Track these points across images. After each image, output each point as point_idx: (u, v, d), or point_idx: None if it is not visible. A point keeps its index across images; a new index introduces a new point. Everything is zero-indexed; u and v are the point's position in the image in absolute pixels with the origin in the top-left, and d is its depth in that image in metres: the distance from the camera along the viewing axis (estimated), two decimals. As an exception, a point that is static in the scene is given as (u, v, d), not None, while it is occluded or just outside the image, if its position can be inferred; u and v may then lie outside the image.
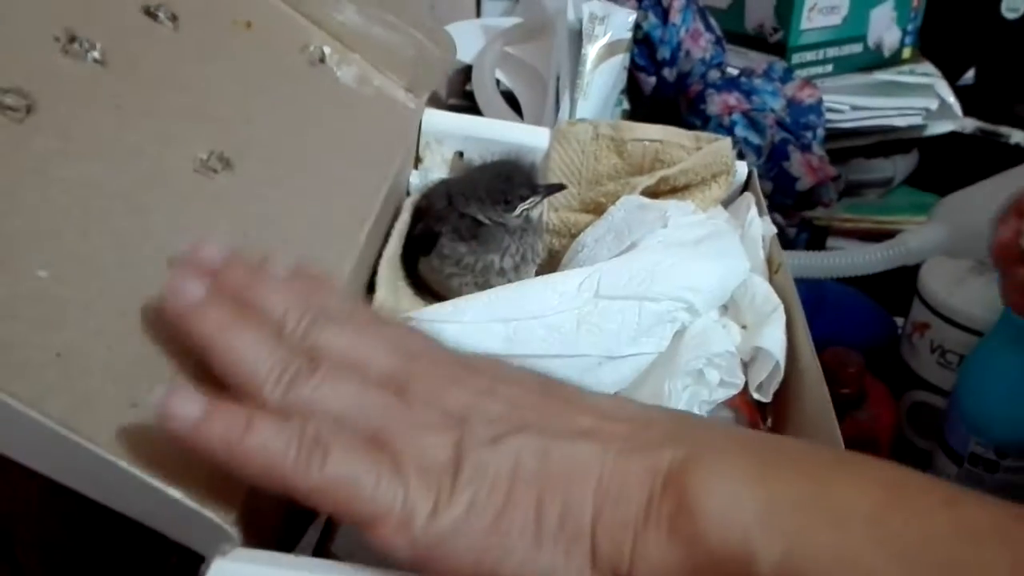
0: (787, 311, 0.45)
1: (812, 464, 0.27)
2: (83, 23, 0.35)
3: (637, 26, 0.73)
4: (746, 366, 0.44)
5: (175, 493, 0.26)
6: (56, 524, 0.40)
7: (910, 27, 0.96)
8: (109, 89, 0.35)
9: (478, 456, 0.26)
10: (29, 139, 0.31)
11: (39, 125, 0.31)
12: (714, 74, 0.79)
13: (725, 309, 0.47)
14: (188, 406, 0.25)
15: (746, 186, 0.57)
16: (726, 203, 0.56)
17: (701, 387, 0.41)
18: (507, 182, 0.47)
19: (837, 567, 0.23)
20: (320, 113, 0.47)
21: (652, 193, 0.53)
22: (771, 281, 0.49)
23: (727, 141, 0.55)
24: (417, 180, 0.56)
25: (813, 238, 0.85)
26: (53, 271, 0.28)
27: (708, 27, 0.80)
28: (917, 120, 0.90)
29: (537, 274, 0.49)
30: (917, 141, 0.94)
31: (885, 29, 0.94)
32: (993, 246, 0.43)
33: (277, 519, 0.32)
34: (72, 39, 0.35)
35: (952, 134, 0.93)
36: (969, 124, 0.95)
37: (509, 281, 0.47)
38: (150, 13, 0.40)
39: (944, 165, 0.94)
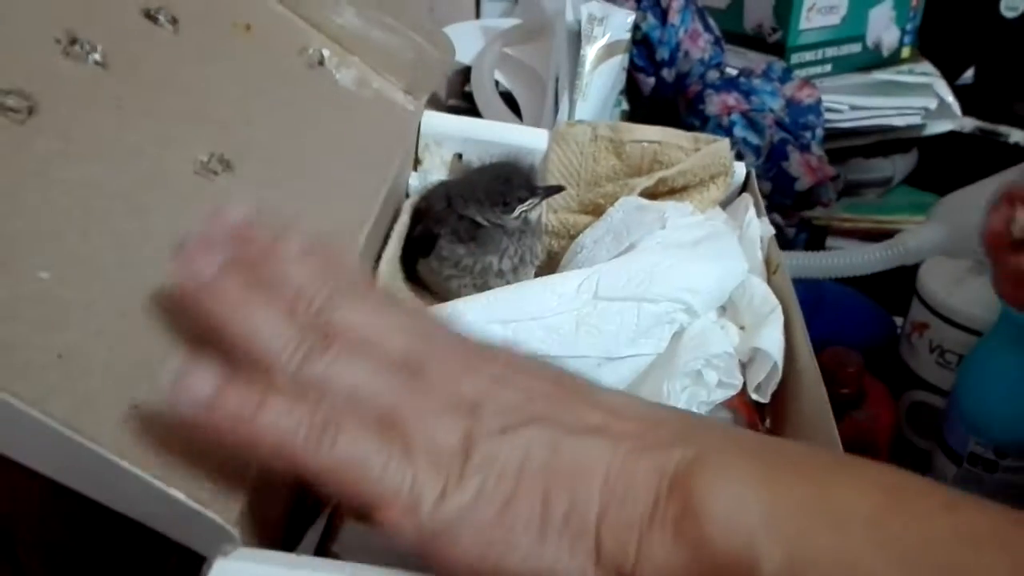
0: (785, 312, 0.45)
1: (812, 467, 0.27)
2: (84, 25, 0.35)
3: (636, 27, 0.73)
4: (744, 367, 0.44)
5: (177, 494, 0.26)
6: (57, 524, 0.40)
7: (909, 26, 0.96)
8: (110, 91, 0.35)
9: (488, 445, 0.26)
10: (31, 141, 0.31)
11: (40, 127, 0.31)
12: (713, 74, 0.79)
13: (723, 310, 0.47)
14: (201, 383, 0.25)
15: (744, 187, 0.58)
16: (724, 204, 0.56)
17: (699, 388, 0.41)
18: (506, 184, 0.47)
19: (838, 570, 0.23)
20: (319, 115, 0.48)
21: (650, 194, 0.53)
22: (769, 282, 0.49)
23: (725, 142, 0.55)
24: (416, 182, 0.56)
25: (812, 238, 0.85)
26: (54, 272, 0.28)
27: (707, 27, 0.80)
28: (916, 120, 0.90)
29: (536, 275, 0.49)
30: (916, 141, 0.94)
31: (884, 29, 0.94)
32: (984, 235, 0.43)
33: (278, 519, 0.32)
34: (73, 41, 0.35)
35: (951, 133, 0.93)
36: (968, 123, 0.95)
37: (508, 283, 0.47)
38: (150, 16, 0.40)
39: (943, 164, 0.94)
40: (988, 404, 0.53)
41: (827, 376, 0.40)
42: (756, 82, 0.77)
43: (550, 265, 0.53)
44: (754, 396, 0.43)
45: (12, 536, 0.39)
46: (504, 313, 0.41)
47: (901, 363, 0.65)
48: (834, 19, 0.89)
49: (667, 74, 0.79)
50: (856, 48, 0.93)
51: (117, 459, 0.26)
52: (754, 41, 0.90)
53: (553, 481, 0.26)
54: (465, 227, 0.47)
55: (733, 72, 0.80)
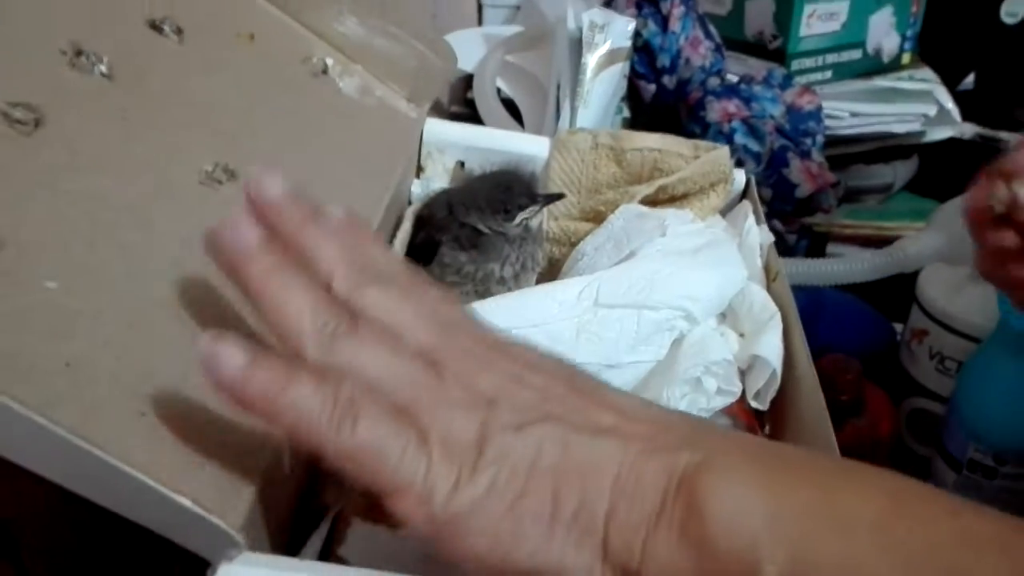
0: (784, 319, 0.46)
1: (816, 471, 0.27)
2: (90, 37, 0.36)
3: (637, 34, 0.74)
4: (743, 374, 0.44)
5: (182, 499, 0.26)
6: (63, 530, 0.40)
7: (909, 33, 0.96)
8: (115, 102, 0.36)
9: (502, 440, 0.26)
10: (37, 152, 0.31)
11: (47, 138, 0.32)
12: (714, 81, 0.79)
13: (723, 317, 0.47)
14: (235, 354, 0.26)
15: (744, 194, 0.58)
16: (724, 211, 0.56)
17: (699, 395, 0.41)
18: (507, 191, 0.48)
19: (841, 574, 0.24)
20: (323, 124, 0.48)
21: (651, 202, 0.53)
22: (768, 289, 0.49)
23: (725, 150, 0.55)
24: (419, 189, 0.56)
25: (813, 245, 0.86)
26: (62, 282, 0.29)
27: (707, 34, 0.81)
28: (916, 126, 0.90)
29: (537, 283, 0.49)
30: (917, 147, 0.94)
31: (884, 35, 0.94)
32: (967, 211, 0.42)
33: (282, 524, 0.32)
34: (79, 53, 0.35)
35: (951, 140, 0.93)
36: (968, 129, 0.95)
37: (509, 290, 0.47)
38: (155, 27, 0.40)
39: (944, 171, 0.94)
40: (987, 411, 0.54)
41: (826, 383, 0.40)
42: (757, 89, 0.77)
43: (551, 272, 0.53)
44: (753, 403, 0.44)
45: (17, 541, 0.39)
46: (505, 320, 0.41)
47: (901, 370, 0.66)
48: (834, 26, 0.90)
49: (668, 81, 0.79)
50: (856, 55, 0.93)
51: (123, 465, 0.26)
52: (755, 48, 0.91)
53: (564, 478, 0.26)
54: (467, 234, 0.48)
55: (734, 79, 0.80)
